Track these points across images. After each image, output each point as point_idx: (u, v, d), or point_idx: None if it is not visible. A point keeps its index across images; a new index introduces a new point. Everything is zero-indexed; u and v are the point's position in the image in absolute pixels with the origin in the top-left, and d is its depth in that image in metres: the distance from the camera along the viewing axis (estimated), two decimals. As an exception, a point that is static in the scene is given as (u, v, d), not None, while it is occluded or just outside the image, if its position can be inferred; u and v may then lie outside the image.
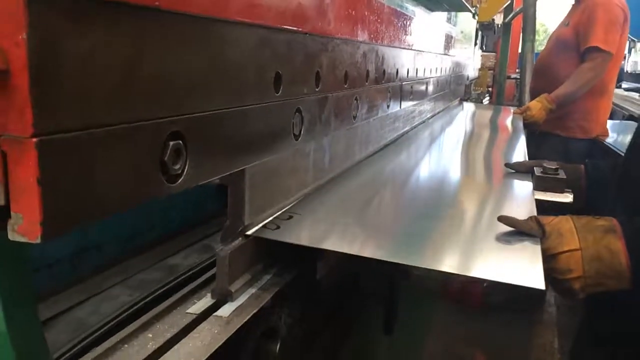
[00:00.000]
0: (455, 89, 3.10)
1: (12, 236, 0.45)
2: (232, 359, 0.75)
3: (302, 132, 0.93)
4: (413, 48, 1.72)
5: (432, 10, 2.06)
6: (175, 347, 0.70)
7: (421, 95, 1.97)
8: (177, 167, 0.60)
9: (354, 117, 1.21)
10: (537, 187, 1.25)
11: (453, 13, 2.65)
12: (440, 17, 2.29)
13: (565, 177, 1.24)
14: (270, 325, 0.84)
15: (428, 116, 2.27)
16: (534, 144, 3.30)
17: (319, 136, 1.03)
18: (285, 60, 0.83)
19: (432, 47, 2.08)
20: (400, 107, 1.63)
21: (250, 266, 0.86)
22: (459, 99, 3.44)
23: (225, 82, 0.68)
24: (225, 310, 0.79)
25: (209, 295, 0.83)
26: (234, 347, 0.74)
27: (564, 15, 3.42)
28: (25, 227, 0.44)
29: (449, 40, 2.49)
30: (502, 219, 0.97)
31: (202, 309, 0.80)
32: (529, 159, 1.71)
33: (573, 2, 3.28)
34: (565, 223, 0.98)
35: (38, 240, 0.45)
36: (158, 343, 0.71)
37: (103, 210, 0.51)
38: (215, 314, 0.78)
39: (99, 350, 0.68)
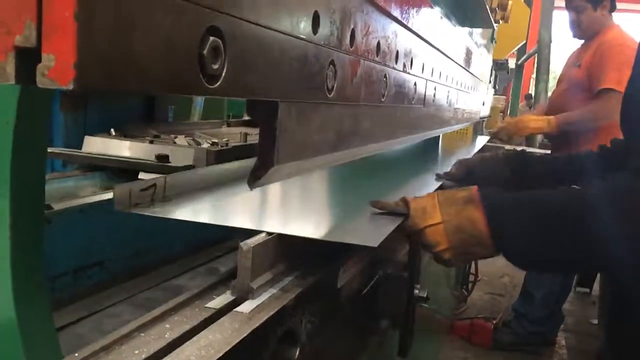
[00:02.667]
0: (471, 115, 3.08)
1: (42, 82, 0.41)
2: (251, 357, 0.70)
3: (334, 88, 0.89)
4: (441, 49, 1.69)
5: (455, 22, 2.05)
6: (194, 338, 0.65)
7: (443, 101, 1.94)
8: (216, 67, 0.56)
9: (383, 96, 1.17)
10: None
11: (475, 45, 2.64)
12: (463, 31, 2.28)
13: None
14: (291, 328, 0.80)
15: (448, 127, 2.24)
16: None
17: (349, 99, 0.99)
18: (323, 2, 0.80)
19: (455, 57, 2.06)
20: (423, 104, 1.60)
21: (272, 265, 0.83)
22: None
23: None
24: (246, 307, 0.75)
25: (228, 292, 0.80)
26: (254, 345, 0.69)
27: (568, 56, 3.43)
28: (56, 70, 0.40)
29: (469, 55, 2.47)
30: (373, 203, 1.06)
31: (222, 304, 0.76)
32: None
33: (582, 43, 3.27)
34: (430, 200, 1.03)
35: (70, 86, 0.40)
36: (176, 333, 0.66)
37: (138, 78, 0.46)
38: (235, 309, 0.74)
39: (113, 335, 0.63)
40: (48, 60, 0.40)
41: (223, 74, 0.57)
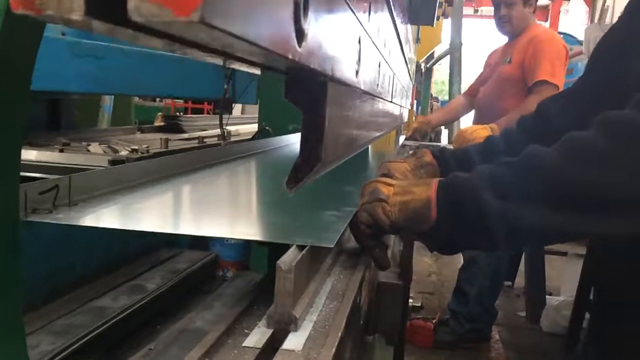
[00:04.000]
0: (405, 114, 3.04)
1: (140, 11, 0.24)
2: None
3: (358, 70, 0.76)
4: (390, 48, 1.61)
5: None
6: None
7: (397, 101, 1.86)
8: (305, 20, 0.41)
9: (378, 86, 1.05)
10: None
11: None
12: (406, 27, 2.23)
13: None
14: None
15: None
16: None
17: (366, 86, 0.86)
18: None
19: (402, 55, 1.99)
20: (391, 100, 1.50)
21: (305, 286, 0.69)
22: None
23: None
24: (293, 343, 0.60)
25: (260, 324, 0.65)
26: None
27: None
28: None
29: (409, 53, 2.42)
30: None
31: (262, 341, 0.61)
32: None
33: (505, 42, 3.33)
34: None
35: (194, 17, 0.24)
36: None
37: (245, 18, 0.31)
38: (283, 347, 0.59)
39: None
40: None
41: (307, 33, 0.43)
